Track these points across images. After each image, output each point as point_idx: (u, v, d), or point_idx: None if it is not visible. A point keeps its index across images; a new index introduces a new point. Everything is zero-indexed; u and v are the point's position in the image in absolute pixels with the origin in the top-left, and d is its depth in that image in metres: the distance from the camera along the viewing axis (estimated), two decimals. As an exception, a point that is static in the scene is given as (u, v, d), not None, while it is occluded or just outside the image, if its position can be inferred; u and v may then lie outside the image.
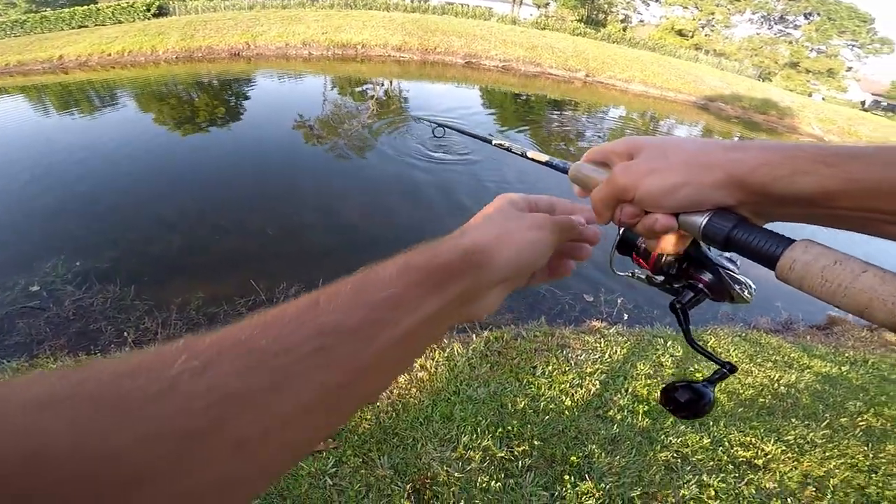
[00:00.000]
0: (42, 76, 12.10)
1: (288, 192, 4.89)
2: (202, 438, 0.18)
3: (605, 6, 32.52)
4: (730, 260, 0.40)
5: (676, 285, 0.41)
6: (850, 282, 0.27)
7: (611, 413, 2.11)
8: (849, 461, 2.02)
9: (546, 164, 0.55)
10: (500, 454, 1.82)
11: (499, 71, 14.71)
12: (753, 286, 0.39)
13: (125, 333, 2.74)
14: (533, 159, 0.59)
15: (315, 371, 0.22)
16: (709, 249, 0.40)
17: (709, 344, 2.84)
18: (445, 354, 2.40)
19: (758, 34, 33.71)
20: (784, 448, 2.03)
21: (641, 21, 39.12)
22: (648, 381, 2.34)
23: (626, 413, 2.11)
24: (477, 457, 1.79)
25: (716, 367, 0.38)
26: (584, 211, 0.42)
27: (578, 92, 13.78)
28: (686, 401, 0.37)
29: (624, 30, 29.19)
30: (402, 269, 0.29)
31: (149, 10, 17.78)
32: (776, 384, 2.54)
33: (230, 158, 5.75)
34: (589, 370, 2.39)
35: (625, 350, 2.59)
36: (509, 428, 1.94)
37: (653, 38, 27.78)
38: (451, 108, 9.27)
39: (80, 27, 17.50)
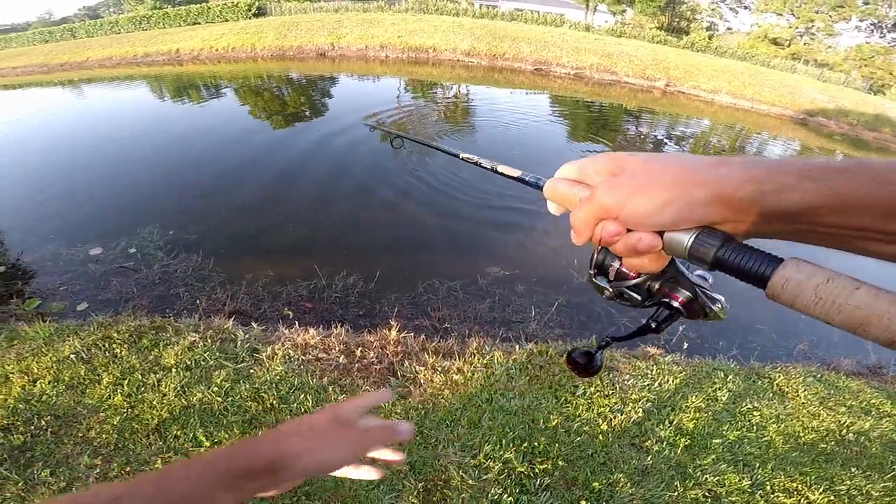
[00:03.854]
0: (161, 67, 13.84)
1: (358, 188, 5.05)
2: None
3: (689, 13, 30.66)
4: (702, 277, 0.39)
5: (649, 304, 0.41)
6: (844, 299, 0.26)
7: (647, 443, 1.98)
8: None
9: (518, 179, 0.53)
10: (519, 468, 1.76)
11: (570, 78, 14.29)
12: (727, 304, 0.38)
13: (198, 301, 2.92)
14: (503, 174, 0.57)
15: None
16: (686, 267, 0.39)
17: (776, 382, 2.64)
18: (484, 361, 2.32)
19: (867, 43, 29.94)
20: (832, 498, 1.85)
21: (729, 29, 36.45)
22: (697, 415, 2.18)
23: (664, 445, 1.98)
24: (496, 468, 1.75)
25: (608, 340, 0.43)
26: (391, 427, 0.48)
27: (657, 102, 12.99)
28: (584, 362, 0.41)
29: (710, 38, 27.23)
30: (203, 472, 0.36)
31: (250, 10, 19.72)
32: (844, 430, 2.30)
33: (309, 152, 6.06)
34: (634, 396, 2.24)
35: (678, 380, 2.41)
36: (535, 444, 1.87)
37: (743, 47, 25.67)
38: (518, 114, 9.09)
39: (194, 24, 19.94)
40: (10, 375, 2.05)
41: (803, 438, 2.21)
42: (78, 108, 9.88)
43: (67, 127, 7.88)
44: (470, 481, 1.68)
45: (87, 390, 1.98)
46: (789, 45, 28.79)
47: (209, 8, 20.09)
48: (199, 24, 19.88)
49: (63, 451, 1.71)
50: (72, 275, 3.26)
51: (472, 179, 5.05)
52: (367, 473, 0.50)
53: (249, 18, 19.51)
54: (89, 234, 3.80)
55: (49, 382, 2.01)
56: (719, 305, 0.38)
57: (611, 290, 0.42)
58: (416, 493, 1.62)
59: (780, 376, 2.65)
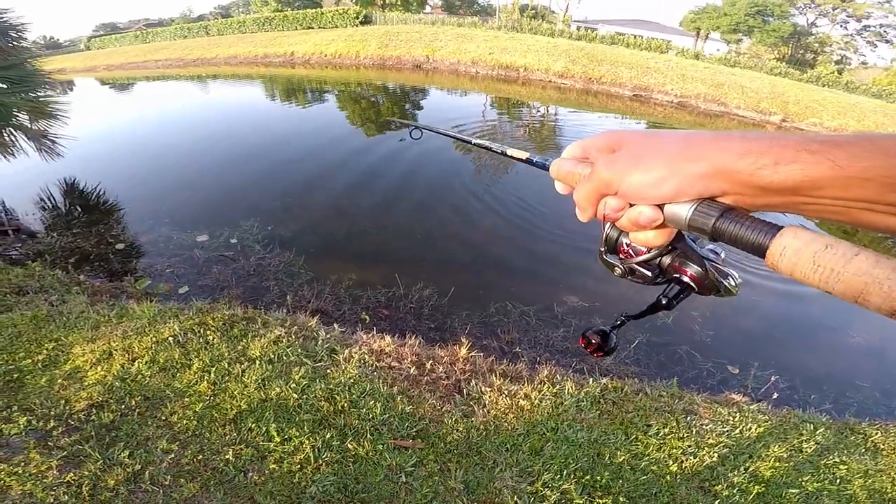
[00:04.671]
0: (277, 69, 15.44)
1: (442, 202, 5.11)
2: None
3: (816, 45, 27.53)
4: (714, 252, 0.39)
5: (661, 280, 0.41)
6: (843, 266, 0.26)
7: (718, 488, 1.87)
8: None
9: (527, 161, 0.55)
10: (577, 500, 1.70)
11: (673, 107, 13.38)
12: (739, 278, 0.38)
13: (286, 296, 3.06)
14: (513, 157, 0.58)
15: None
16: (693, 242, 0.39)
17: (870, 438, 2.40)
18: (554, 390, 2.25)
19: None
20: None
21: (864, 63, 32.15)
22: (776, 464, 2.03)
23: (735, 491, 1.86)
24: (553, 497, 1.68)
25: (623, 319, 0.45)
26: None
27: (768, 138, 11.74)
28: (598, 342, 0.44)
29: (839, 72, 24.21)
30: None
31: (358, 17, 21.23)
32: None
33: (399, 163, 6.27)
34: (710, 441, 2.11)
35: (761, 429, 2.25)
36: (598, 478, 1.80)
37: (879, 84, 22.45)
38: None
39: (308, 28, 21.90)
40: (114, 352, 2.15)
41: (891, 495, 2.04)
42: (203, 102, 11.27)
43: (191, 120, 8.99)
44: None
45: (178, 374, 2.04)
46: (944, 86, 24.61)
47: (322, 13, 21.91)
48: (313, 28, 21.67)
49: (145, 434, 1.76)
50: (178, 258, 3.58)
51: (556, 209, 4.87)
52: None
53: (357, 26, 20.93)
54: (198, 222, 4.18)
55: (146, 363, 2.09)
56: (731, 281, 0.37)
57: (621, 267, 0.42)
58: None
59: (876, 433, 2.42)
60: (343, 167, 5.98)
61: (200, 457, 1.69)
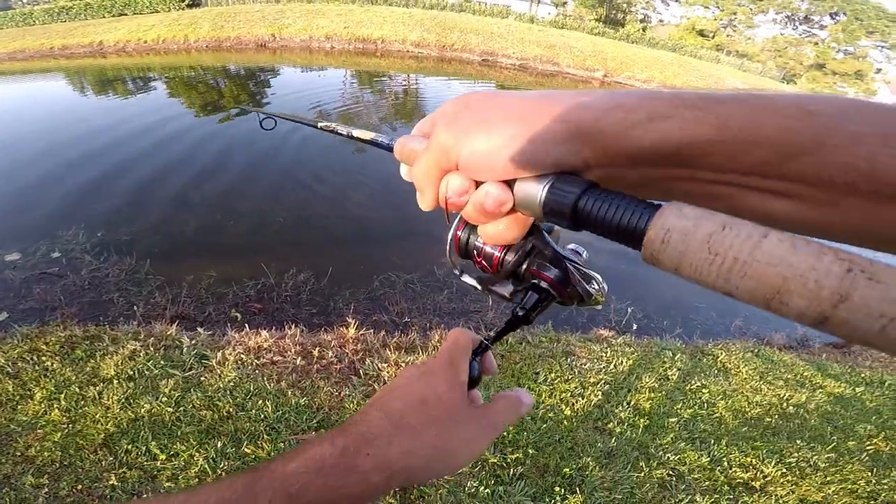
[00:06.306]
0: (82, 59, 12.62)
1: (301, 181, 4.91)
2: None
3: (624, 6, 32.10)
4: (575, 251, 0.34)
5: (519, 288, 0.35)
6: (749, 252, 0.18)
7: (610, 426, 2.06)
8: (849, 486, 1.95)
9: (370, 142, 0.48)
10: (492, 460, 1.78)
11: (516, 69, 14.59)
12: (604, 284, 0.33)
13: (135, 307, 2.78)
14: (358, 138, 0.52)
15: None
16: (551, 239, 0.34)
17: (718, 359, 2.78)
18: None
19: (782, 34, 32.87)
20: (784, 471, 1.98)
21: (661, 21, 38.51)
22: (652, 395, 2.29)
23: (625, 426, 2.06)
24: None
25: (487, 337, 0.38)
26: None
27: (596, 91, 13.59)
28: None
29: (643, 30, 28.74)
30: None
31: (183, 0, 18.29)
32: (785, 404, 2.49)
33: (248, 145, 5.80)
34: (592, 380, 2.33)
35: (631, 361, 2.52)
36: (505, 434, 1.89)
37: (673, 39, 27.31)
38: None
39: (120, 15, 18.28)
40: (-77, 398, 1.84)
41: (749, 413, 2.33)
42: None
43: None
44: (446, 476, 1.70)
45: (19, 406, 1.85)
46: (714, 37, 30.97)
47: (137, -1, 18.46)
48: (126, 15, 18.26)
49: (2, 472, 1.61)
50: (-15, 284, 2.97)
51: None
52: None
53: (182, 9, 18.16)
54: (3, 239, 3.46)
55: None
56: (595, 286, 0.32)
57: (478, 286, 0.37)
58: (392, 493, 1.61)
59: (722, 353, 2.82)
60: (177, 156, 5.33)
61: (80, 486, 1.57)
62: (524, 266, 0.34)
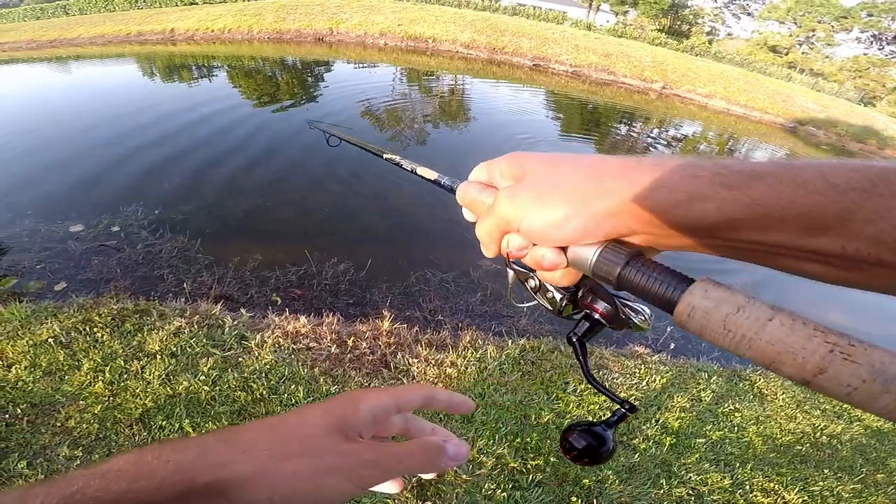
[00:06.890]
0: (154, 46, 13.55)
1: (346, 175, 5.00)
2: None
3: (691, 17, 30.71)
4: None
5: (574, 315, 0.39)
6: (755, 332, 0.23)
7: (635, 441, 2.03)
8: (871, 519, 1.83)
9: (435, 182, 0.50)
10: (512, 464, 1.78)
11: (568, 76, 14.28)
12: (650, 312, 0.36)
13: (184, 284, 2.90)
14: (422, 177, 0.54)
15: None
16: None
17: (756, 384, 2.67)
18: (477, 356, 2.33)
19: (865, 54, 30.35)
20: (806, 498, 1.92)
21: (730, 34, 36.64)
22: (682, 414, 2.24)
23: (650, 443, 2.03)
24: (489, 463, 1.76)
25: (616, 406, 0.35)
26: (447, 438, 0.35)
27: (652, 104, 13.05)
28: (584, 447, 0.33)
29: (710, 42, 27.36)
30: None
31: None
32: (819, 433, 2.39)
33: (295, 136, 5.98)
34: (622, 395, 2.28)
35: (664, 380, 2.46)
36: (528, 440, 1.89)
37: (741, 53, 25.84)
38: (515, 109, 9.09)
39: (191, 3, 19.51)
40: (-18, 362, 1.94)
41: (780, 440, 2.28)
42: (66, 82, 9.66)
43: (51, 102, 7.69)
44: (464, 476, 1.70)
45: (67, 377, 1.90)
46: (787, 54, 29.07)
47: (207, -13, 19.62)
48: (197, 4, 19.44)
49: (40, 442, 1.64)
50: (50, 252, 3.18)
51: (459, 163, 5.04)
52: (384, 486, 0.34)
53: (248, 0, 19.11)
54: (70, 211, 3.71)
55: (25, 368, 1.92)
56: (642, 317, 0.36)
57: (536, 279, 0.40)
58: (409, 486, 1.61)
59: (759, 379, 2.72)
60: (235, 143, 5.57)
61: (110, 460, 1.62)
62: (578, 295, 0.38)
